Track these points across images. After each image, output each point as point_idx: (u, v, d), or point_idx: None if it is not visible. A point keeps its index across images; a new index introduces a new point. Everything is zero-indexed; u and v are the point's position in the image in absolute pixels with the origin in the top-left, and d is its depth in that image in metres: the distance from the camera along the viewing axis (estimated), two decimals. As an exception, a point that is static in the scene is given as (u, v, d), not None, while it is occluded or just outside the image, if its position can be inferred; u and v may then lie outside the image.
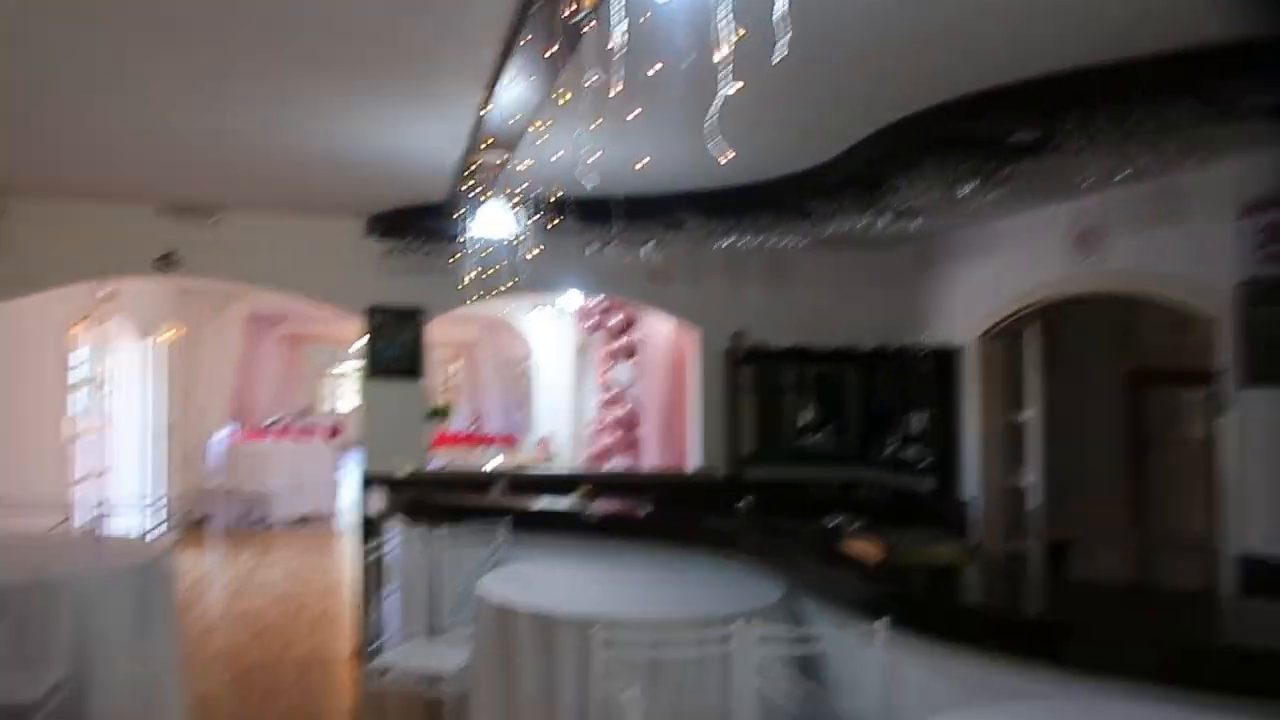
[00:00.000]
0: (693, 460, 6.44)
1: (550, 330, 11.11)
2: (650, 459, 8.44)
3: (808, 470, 6.18)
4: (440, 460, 7.67)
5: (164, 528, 5.72)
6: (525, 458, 10.20)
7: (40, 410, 6.61)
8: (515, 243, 4.48)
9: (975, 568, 3.52)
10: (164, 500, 7.33)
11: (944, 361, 5.75)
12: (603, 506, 4.54)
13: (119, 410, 8.61)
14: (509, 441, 11.60)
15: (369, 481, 5.42)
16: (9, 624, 3.46)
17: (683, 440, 7.15)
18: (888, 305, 6.31)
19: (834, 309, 6.26)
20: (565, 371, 10.82)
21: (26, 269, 5.33)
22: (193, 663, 5.15)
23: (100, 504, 5.22)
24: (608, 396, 9.27)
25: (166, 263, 5.51)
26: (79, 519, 5.51)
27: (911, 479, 5.88)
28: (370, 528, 5.20)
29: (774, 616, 3.16)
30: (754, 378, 6.23)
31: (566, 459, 10.28)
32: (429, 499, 4.84)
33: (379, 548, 4.86)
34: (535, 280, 4.83)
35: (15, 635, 3.45)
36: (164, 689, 3.98)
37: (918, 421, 5.88)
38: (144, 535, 4.79)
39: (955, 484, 5.67)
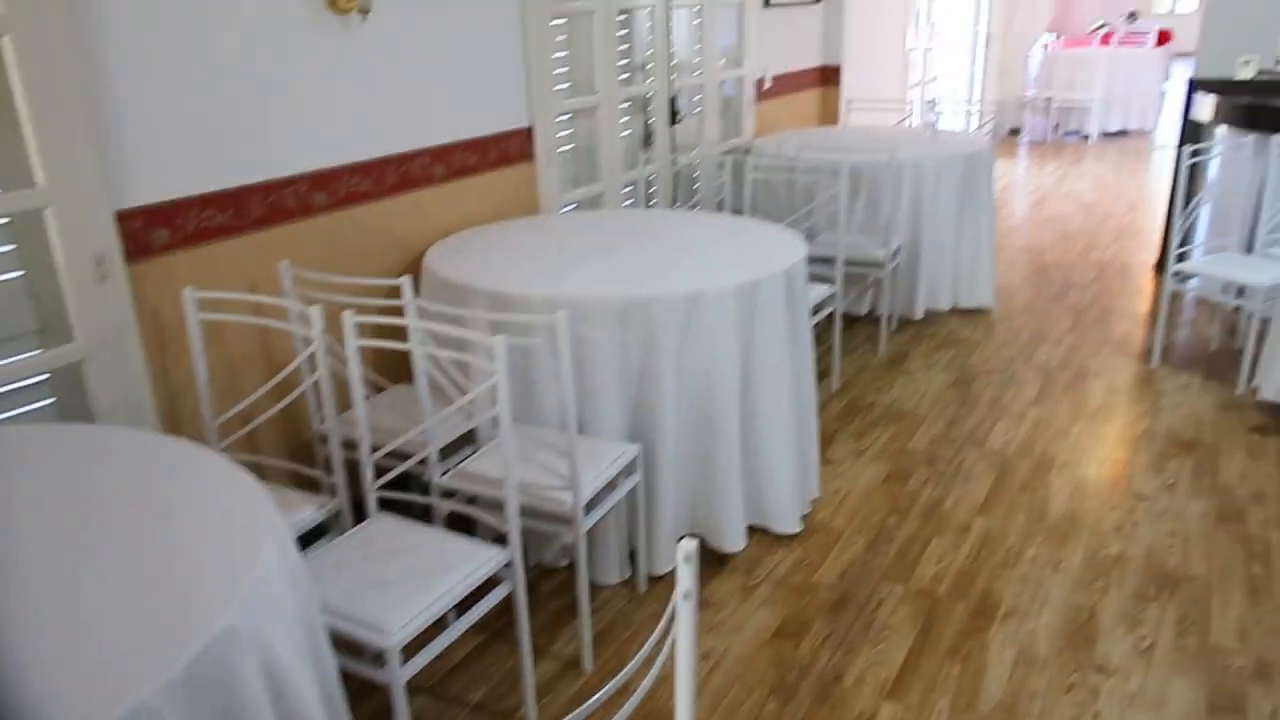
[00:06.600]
0: None
1: None
2: None
3: None
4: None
5: (983, 128, 6.20)
6: None
7: (889, 25, 7.43)
8: None
9: None
10: (983, 105, 7.79)
11: None
12: None
13: (947, 22, 9.11)
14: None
15: (1199, 85, 4.98)
16: (864, 196, 4.40)
17: None
18: None
19: None
20: None
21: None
22: (998, 253, 5.77)
23: (932, 103, 5.86)
24: None
25: None
26: (915, 116, 6.29)
27: None
28: (1193, 135, 4.88)
29: None
30: None
31: None
32: (1270, 104, 4.31)
33: (1201, 156, 4.58)
34: None
35: (869, 205, 4.38)
36: (979, 260, 4.67)
37: None
38: (968, 131, 5.32)
39: None
